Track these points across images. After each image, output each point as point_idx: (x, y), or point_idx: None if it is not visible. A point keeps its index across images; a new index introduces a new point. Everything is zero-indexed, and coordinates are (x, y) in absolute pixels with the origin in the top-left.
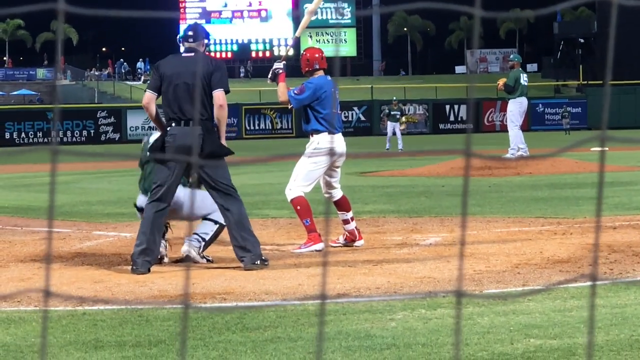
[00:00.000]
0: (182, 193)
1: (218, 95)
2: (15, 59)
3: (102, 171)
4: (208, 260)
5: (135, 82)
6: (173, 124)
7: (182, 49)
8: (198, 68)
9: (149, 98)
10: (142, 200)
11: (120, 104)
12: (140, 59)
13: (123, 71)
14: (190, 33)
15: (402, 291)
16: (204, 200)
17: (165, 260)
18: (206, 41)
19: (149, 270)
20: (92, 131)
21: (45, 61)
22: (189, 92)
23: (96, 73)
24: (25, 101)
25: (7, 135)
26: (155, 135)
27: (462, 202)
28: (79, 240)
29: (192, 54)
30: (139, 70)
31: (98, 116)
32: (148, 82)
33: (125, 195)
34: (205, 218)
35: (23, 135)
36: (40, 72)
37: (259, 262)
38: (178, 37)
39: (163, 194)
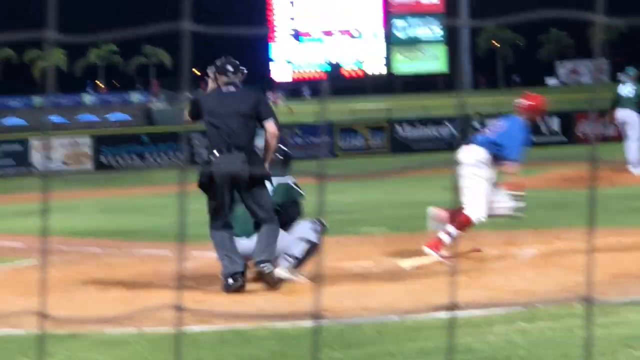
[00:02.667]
0: (247, 245)
1: (269, 125)
2: (109, 84)
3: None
4: (301, 278)
5: None
6: (217, 153)
7: (224, 79)
8: (243, 101)
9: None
10: (244, 244)
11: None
12: None
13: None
14: (230, 68)
15: (501, 304)
16: (282, 239)
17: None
18: (245, 72)
19: (242, 287)
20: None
21: (138, 85)
22: (234, 124)
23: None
24: (119, 125)
25: (103, 159)
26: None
27: (589, 213)
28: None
29: (234, 88)
30: None
31: (192, 138)
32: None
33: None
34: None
35: (118, 158)
36: (134, 96)
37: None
38: (212, 70)
39: (220, 217)
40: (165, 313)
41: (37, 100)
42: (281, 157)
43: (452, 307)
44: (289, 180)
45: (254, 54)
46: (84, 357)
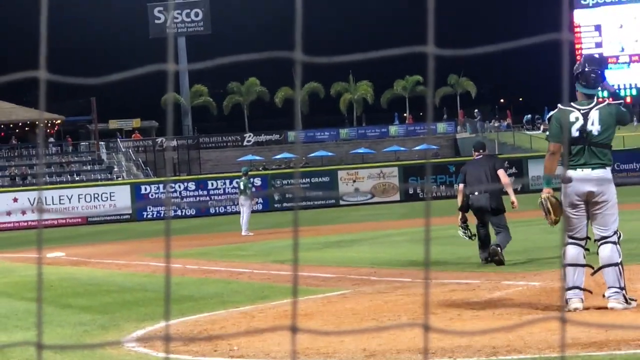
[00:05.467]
0: None
1: (501, 173)
2: (415, 115)
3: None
4: (632, 301)
5: (534, 132)
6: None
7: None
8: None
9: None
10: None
11: (520, 154)
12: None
13: (524, 122)
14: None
15: None
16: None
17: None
18: None
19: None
20: None
21: (444, 115)
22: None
23: (495, 124)
24: (426, 156)
25: (411, 190)
26: None
27: None
28: (488, 290)
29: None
30: (537, 120)
31: None
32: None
33: (532, 245)
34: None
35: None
36: (441, 127)
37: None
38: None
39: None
40: (477, 342)
41: (343, 132)
42: None
43: None
44: None
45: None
46: None
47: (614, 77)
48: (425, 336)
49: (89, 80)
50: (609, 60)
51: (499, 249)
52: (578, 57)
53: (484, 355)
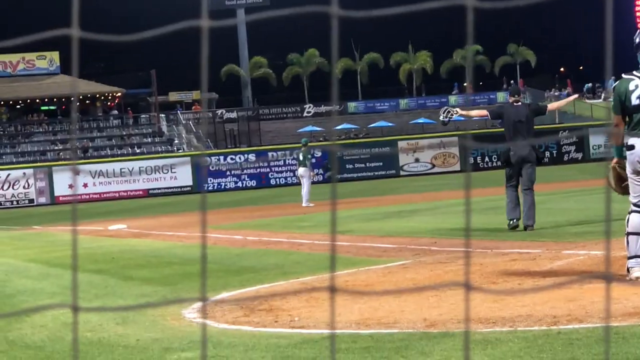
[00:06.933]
0: None
1: (548, 107)
2: (475, 84)
3: (569, 190)
4: None
5: (595, 101)
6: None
7: None
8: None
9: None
10: None
11: (581, 122)
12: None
13: (584, 90)
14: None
15: None
16: None
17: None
18: None
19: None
20: (554, 152)
21: (504, 84)
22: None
23: (555, 93)
24: (487, 125)
25: (472, 160)
26: None
27: None
28: (549, 260)
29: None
30: (598, 88)
31: (560, 136)
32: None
33: (592, 214)
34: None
35: (486, 159)
36: (501, 96)
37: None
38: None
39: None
40: (539, 312)
41: (403, 102)
42: None
43: None
44: None
45: (618, 52)
46: (460, 357)
47: None
48: (466, 298)
49: (123, 37)
50: None
51: (531, 227)
52: (639, 24)
53: (544, 324)
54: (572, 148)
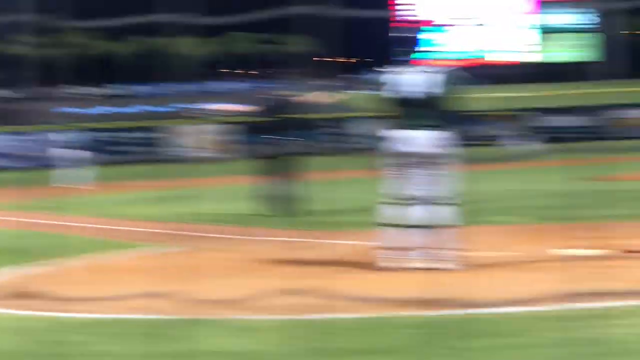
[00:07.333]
0: None
1: None
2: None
3: (336, 180)
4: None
5: (357, 92)
6: None
7: None
8: None
9: None
10: None
11: (345, 113)
12: None
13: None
14: None
15: None
16: None
17: None
18: None
19: None
20: (324, 141)
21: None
22: None
23: (317, 84)
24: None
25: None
26: None
27: None
28: (308, 249)
29: None
30: None
31: (321, 127)
32: None
33: (358, 204)
34: None
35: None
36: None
37: None
38: None
39: None
40: (298, 299)
41: None
42: None
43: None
44: None
45: None
46: (213, 343)
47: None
48: None
49: None
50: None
51: (294, 216)
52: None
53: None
54: (333, 138)
